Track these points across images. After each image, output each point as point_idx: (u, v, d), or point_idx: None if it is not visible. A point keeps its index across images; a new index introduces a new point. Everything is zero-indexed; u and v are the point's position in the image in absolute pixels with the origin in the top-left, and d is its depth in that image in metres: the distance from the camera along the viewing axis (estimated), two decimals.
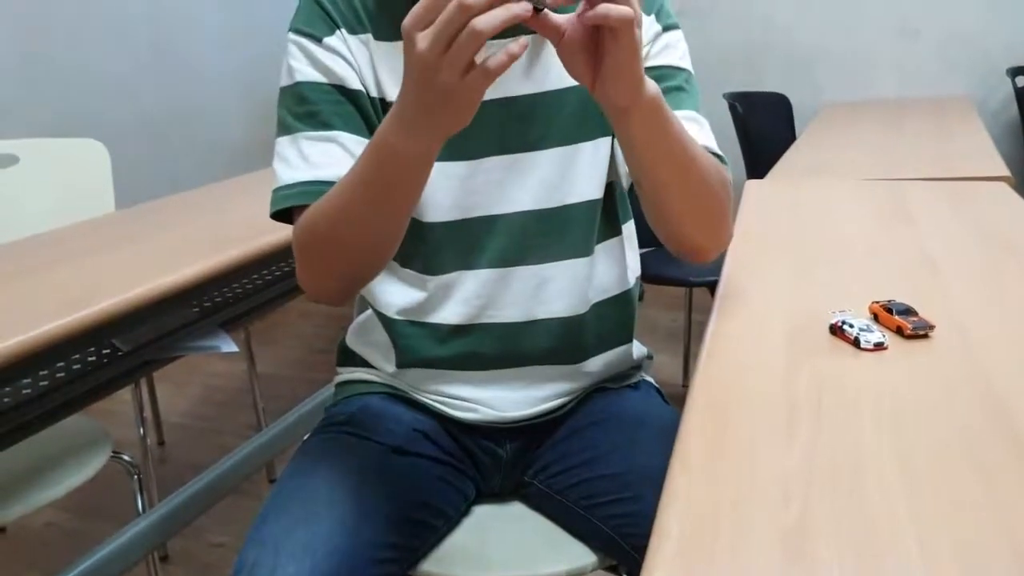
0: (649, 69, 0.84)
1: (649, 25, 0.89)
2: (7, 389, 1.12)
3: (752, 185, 1.57)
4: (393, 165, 0.69)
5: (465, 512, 0.96)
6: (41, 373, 1.16)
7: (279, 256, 1.46)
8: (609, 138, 0.91)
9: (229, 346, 1.24)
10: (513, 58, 0.59)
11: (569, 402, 0.97)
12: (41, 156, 1.92)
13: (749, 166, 2.51)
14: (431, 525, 0.89)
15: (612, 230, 0.95)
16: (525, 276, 0.90)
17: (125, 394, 1.84)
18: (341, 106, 0.83)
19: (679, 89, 0.89)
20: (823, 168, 1.88)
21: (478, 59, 0.60)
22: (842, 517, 0.53)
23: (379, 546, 0.81)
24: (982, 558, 0.49)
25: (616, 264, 0.95)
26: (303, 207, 0.80)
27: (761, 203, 1.44)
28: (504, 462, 0.97)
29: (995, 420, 0.65)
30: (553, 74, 0.85)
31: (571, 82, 0.79)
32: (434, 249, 0.89)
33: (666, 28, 0.90)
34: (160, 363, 1.27)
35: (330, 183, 0.78)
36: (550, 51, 0.84)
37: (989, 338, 0.80)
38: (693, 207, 0.81)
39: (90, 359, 1.22)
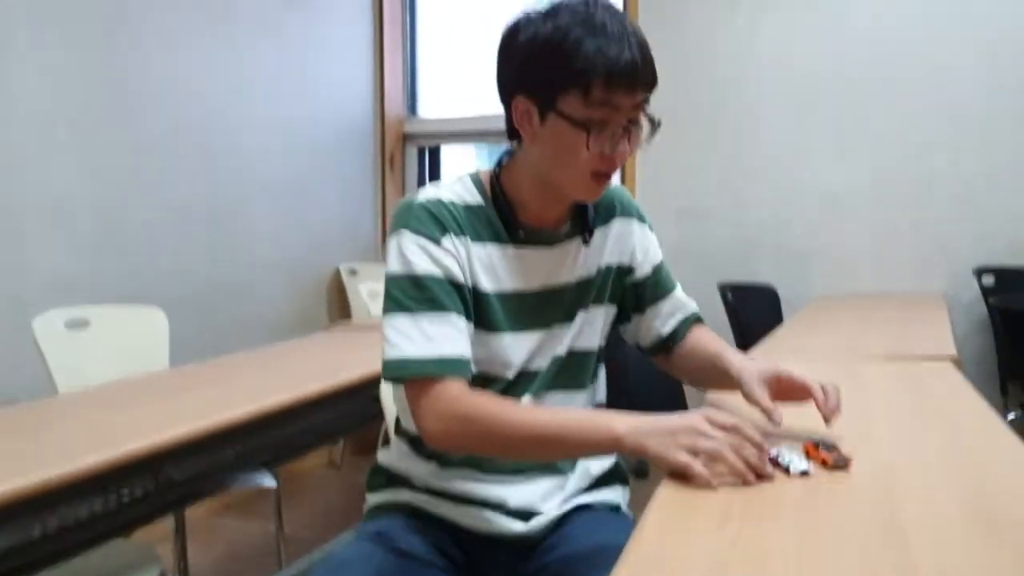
0: (658, 266, 1.26)
1: (640, 232, 1.25)
2: (68, 509, 1.28)
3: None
4: (596, 446, 1.00)
5: None
6: (111, 495, 1.34)
7: (311, 407, 1.68)
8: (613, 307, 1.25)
9: (269, 481, 1.42)
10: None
11: (558, 516, 1.16)
12: (109, 320, 2.19)
13: (740, 344, 2.75)
14: None
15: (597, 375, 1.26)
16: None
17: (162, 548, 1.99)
18: (451, 295, 1.05)
19: (668, 271, 1.28)
20: (797, 349, 2.10)
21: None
22: None
23: None
24: None
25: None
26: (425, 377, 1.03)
27: None
28: (504, 572, 1.14)
29: (890, 543, 0.79)
30: (586, 265, 1.20)
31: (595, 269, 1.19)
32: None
33: (649, 227, 1.27)
34: (204, 495, 1.45)
35: (453, 359, 1.03)
36: (583, 250, 1.18)
37: (900, 477, 0.97)
38: None
39: (149, 487, 1.40)
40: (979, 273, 3.06)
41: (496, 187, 1.13)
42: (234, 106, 3.16)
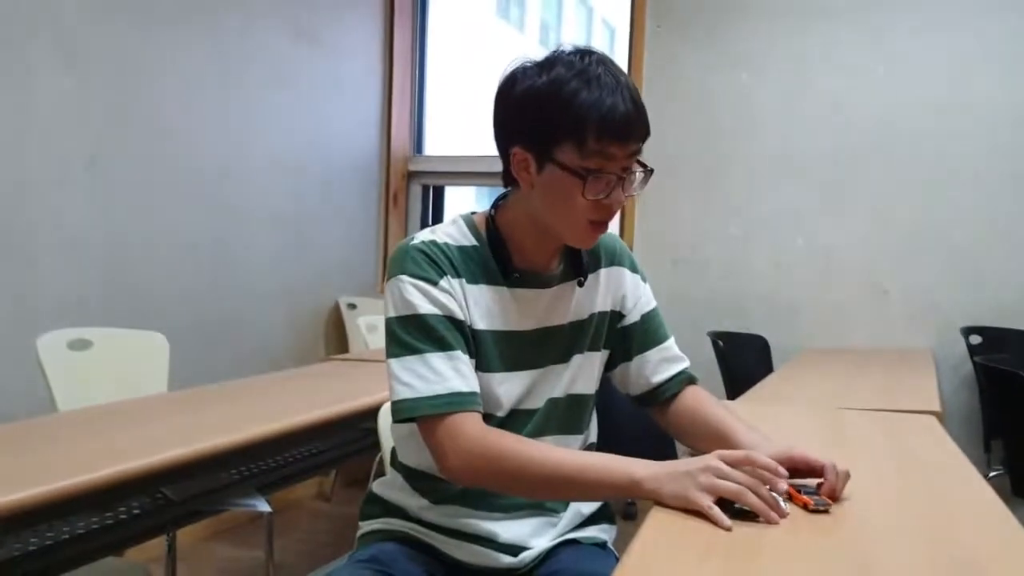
0: (648, 314, 1.26)
1: (632, 280, 1.27)
2: (63, 524, 1.31)
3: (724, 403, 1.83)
4: (614, 489, 1.01)
5: None
6: (107, 514, 1.37)
7: (307, 436, 1.71)
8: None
9: (263, 506, 1.45)
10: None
11: (546, 549, 1.19)
12: (111, 343, 2.22)
13: (729, 391, 2.79)
14: None
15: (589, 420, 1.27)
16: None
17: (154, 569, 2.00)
18: (454, 332, 1.08)
19: (661, 322, 1.29)
20: (786, 397, 2.15)
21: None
22: None
23: None
24: None
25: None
26: (441, 413, 1.04)
27: None
28: None
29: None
30: (579, 308, 1.22)
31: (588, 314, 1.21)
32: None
33: (642, 278, 1.28)
34: (202, 515, 1.48)
35: (466, 393, 1.06)
36: (577, 293, 1.20)
37: (876, 523, 1.01)
38: None
39: (145, 506, 1.43)
40: (967, 332, 3.12)
41: (492, 229, 1.16)
42: (244, 143, 3.23)
